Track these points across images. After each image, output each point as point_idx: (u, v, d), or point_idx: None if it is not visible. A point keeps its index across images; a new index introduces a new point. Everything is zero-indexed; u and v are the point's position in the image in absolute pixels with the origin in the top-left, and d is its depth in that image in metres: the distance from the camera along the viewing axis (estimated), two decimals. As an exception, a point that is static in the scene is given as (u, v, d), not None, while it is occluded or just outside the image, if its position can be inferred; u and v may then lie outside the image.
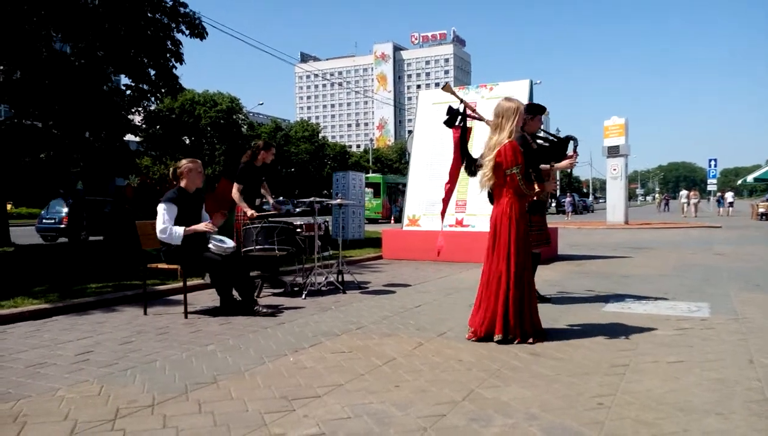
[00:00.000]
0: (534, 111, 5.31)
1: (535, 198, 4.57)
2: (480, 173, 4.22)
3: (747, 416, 2.65)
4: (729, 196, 36.89)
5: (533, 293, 4.22)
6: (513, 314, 4.02)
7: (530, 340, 4.03)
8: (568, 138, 5.38)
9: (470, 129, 4.76)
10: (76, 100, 11.39)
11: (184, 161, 5.35)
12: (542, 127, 5.59)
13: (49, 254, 10.25)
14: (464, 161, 4.47)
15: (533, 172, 4.32)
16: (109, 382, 3.27)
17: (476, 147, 4.81)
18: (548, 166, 5.04)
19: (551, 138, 5.54)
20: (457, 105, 4.63)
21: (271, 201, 6.91)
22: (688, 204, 35.49)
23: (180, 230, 5.06)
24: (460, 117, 4.57)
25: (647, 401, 2.85)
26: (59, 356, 3.85)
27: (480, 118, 4.82)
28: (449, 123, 4.60)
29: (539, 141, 5.36)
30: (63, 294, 5.94)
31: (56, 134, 12.61)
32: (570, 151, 5.27)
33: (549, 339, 4.12)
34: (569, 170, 5.37)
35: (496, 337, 4.01)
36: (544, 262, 9.39)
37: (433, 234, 9.86)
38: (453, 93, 4.77)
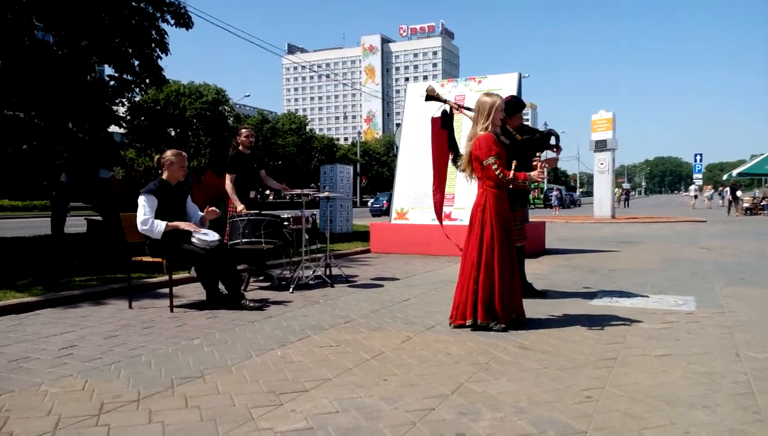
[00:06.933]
0: (511, 111, 5.41)
1: (525, 184, 4.56)
2: (459, 164, 4.45)
3: (733, 409, 2.67)
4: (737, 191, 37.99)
5: (512, 282, 4.23)
6: (482, 301, 4.13)
7: (503, 326, 4.12)
8: (550, 132, 5.45)
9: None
10: (59, 90, 11.19)
11: (168, 153, 5.28)
12: (522, 122, 5.70)
13: (33, 247, 10.10)
14: (454, 155, 4.73)
15: (516, 162, 4.30)
16: (93, 376, 3.22)
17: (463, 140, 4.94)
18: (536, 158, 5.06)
19: (534, 134, 5.65)
20: (444, 107, 4.90)
21: (276, 185, 6.78)
22: (695, 197, 36.18)
23: (162, 225, 4.99)
24: (448, 117, 4.86)
25: (635, 394, 2.87)
26: (43, 350, 3.79)
27: (469, 109, 4.95)
28: (445, 126, 4.87)
29: (525, 136, 5.41)
30: (47, 287, 5.84)
31: (39, 125, 12.39)
32: (552, 144, 5.33)
33: (537, 333, 4.14)
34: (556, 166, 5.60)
35: (468, 321, 4.16)
36: (533, 256, 9.43)
37: (420, 228, 9.87)
38: (437, 97, 5.01)
